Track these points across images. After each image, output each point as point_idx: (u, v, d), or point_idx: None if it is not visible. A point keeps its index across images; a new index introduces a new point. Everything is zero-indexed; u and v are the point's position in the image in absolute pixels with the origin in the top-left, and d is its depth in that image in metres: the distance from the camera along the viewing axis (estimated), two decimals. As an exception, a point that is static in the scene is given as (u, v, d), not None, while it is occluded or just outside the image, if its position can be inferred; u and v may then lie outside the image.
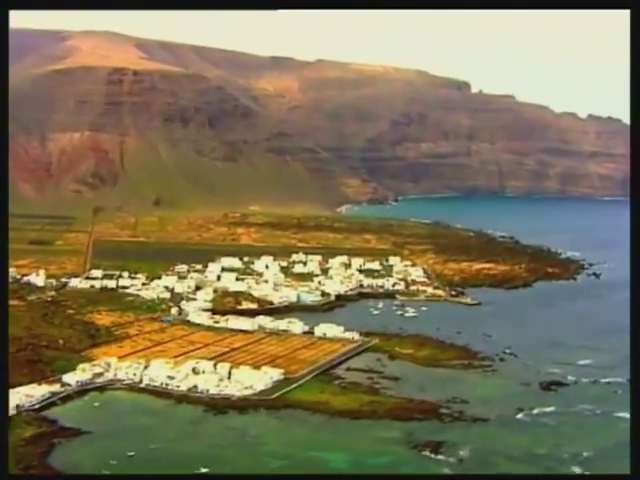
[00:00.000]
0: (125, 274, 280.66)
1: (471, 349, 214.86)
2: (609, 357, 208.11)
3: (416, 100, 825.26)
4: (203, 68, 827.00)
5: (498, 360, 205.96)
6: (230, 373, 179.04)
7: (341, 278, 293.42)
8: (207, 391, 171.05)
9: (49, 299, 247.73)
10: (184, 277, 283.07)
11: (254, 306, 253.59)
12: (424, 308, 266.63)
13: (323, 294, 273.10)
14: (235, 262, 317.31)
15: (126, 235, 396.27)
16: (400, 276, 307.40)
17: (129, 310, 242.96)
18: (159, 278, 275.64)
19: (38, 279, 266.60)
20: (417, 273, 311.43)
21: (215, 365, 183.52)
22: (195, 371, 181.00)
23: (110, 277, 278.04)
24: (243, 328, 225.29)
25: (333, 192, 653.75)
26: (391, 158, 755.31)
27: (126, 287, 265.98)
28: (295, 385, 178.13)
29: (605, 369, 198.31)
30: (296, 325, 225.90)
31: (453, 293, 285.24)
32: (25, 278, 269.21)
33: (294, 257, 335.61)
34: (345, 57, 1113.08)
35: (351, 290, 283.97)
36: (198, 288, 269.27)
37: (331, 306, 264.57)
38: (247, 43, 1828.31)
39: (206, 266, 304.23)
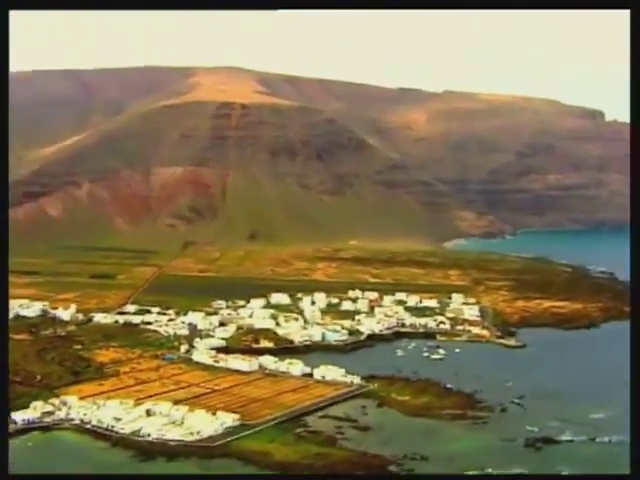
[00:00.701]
0: (156, 309, 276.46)
1: (476, 397, 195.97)
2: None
3: (544, 130, 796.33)
4: (324, 101, 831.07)
5: (499, 411, 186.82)
6: (184, 417, 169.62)
7: (382, 316, 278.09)
8: (148, 435, 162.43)
9: (63, 334, 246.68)
10: (214, 313, 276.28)
11: (271, 345, 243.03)
12: (457, 350, 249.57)
13: (352, 333, 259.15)
14: (283, 298, 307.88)
15: (197, 270, 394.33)
16: (452, 314, 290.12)
17: (140, 346, 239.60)
18: (186, 314, 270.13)
19: (65, 313, 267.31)
20: (471, 312, 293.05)
21: (172, 408, 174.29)
22: (149, 413, 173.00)
23: (142, 312, 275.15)
24: (240, 368, 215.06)
25: (445, 226, 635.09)
26: (514, 190, 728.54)
27: (150, 323, 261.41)
28: (247, 432, 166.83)
29: (617, 425, 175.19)
30: (296, 366, 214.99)
31: (498, 334, 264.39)
32: (53, 312, 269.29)
33: (350, 293, 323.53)
34: (475, 87, 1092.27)
35: (388, 329, 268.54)
36: (223, 325, 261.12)
37: (356, 346, 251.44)
38: (376, 76, 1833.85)
39: (249, 302, 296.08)
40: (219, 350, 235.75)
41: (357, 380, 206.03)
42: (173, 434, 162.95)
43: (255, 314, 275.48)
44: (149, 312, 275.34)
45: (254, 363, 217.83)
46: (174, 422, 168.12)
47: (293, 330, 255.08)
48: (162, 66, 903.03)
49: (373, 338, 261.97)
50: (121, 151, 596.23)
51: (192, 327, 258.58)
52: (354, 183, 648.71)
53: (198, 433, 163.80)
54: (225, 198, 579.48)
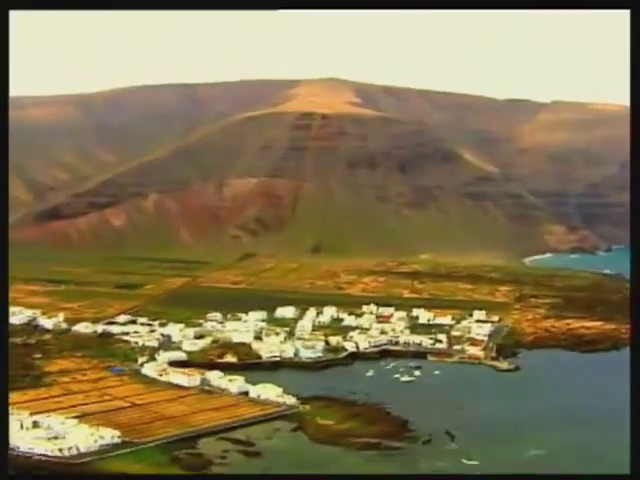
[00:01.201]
0: (142, 320, 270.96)
1: (408, 426, 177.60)
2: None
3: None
4: (427, 112, 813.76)
5: (422, 442, 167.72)
6: (66, 432, 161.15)
7: (376, 333, 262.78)
8: (18, 448, 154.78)
9: (33, 342, 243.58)
10: (197, 325, 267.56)
11: (234, 360, 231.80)
12: (437, 372, 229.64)
13: (335, 350, 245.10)
14: (288, 312, 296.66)
15: (232, 282, 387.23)
16: (458, 333, 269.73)
17: (103, 357, 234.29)
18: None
19: (48, 322, 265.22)
20: (480, 330, 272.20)
21: (60, 421, 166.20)
22: (35, 425, 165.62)
23: (129, 323, 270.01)
24: (180, 383, 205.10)
25: (531, 240, 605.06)
26: (615, 204, 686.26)
27: (127, 333, 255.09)
28: (121, 452, 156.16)
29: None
30: (235, 384, 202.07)
31: (493, 355, 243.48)
32: (39, 320, 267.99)
33: (364, 308, 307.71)
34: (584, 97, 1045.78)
35: (376, 347, 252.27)
36: (200, 337, 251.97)
37: (329, 364, 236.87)
38: (485, 87, 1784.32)
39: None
40: (178, 364, 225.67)
41: (292, 401, 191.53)
42: (41, 448, 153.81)
43: (238, 328, 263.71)
44: (134, 323, 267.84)
45: (195, 379, 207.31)
46: (49, 436, 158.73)
47: (264, 346, 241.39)
48: (272, 79, 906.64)
49: (355, 356, 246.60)
50: (198, 163, 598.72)
51: (166, 339, 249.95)
52: (438, 196, 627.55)
53: (69, 449, 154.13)
54: (295, 210, 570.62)
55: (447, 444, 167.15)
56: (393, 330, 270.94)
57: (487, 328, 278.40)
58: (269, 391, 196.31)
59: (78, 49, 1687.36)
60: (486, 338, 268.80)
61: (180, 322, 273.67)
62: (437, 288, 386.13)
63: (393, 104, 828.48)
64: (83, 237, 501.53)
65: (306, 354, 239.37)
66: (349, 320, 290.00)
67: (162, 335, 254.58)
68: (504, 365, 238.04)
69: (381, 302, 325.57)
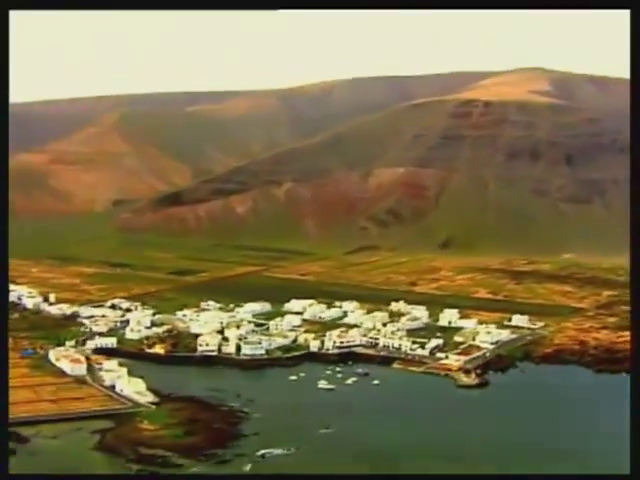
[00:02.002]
0: (126, 305, 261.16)
1: (229, 443, 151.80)
2: None
3: None
4: (624, 102, 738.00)
5: (215, 463, 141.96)
6: None
7: (354, 333, 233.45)
8: None
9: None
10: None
11: (161, 352, 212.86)
12: (376, 382, 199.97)
13: (292, 349, 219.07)
14: (297, 306, 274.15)
15: (302, 273, 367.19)
16: (460, 338, 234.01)
17: (43, 339, 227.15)
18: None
19: (30, 301, 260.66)
20: (487, 337, 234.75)
21: None
22: None
23: (115, 307, 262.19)
24: (65, 370, 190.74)
25: None
26: None
27: (91, 317, 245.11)
28: None
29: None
30: (108, 375, 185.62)
31: (468, 367, 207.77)
32: (26, 300, 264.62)
33: (392, 305, 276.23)
34: None
35: (342, 348, 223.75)
36: (160, 325, 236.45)
37: (263, 363, 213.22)
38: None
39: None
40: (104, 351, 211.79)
41: (148, 399, 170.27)
42: None
43: (204, 319, 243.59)
44: (114, 307, 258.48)
45: (78, 367, 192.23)
46: None
47: (212, 339, 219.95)
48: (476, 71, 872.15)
49: (311, 357, 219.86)
50: (346, 152, 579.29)
51: (122, 325, 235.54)
52: (608, 190, 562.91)
53: None
54: (438, 202, 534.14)
55: (244, 465, 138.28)
56: (378, 331, 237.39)
57: (498, 335, 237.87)
58: (132, 386, 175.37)
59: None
60: (489, 346, 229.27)
61: (180, 309, 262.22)
62: (527, 290, 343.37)
63: (595, 94, 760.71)
64: (200, 224, 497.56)
65: (247, 351, 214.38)
66: (351, 318, 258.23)
67: (120, 322, 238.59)
68: (467, 380, 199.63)
69: (438, 302, 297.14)
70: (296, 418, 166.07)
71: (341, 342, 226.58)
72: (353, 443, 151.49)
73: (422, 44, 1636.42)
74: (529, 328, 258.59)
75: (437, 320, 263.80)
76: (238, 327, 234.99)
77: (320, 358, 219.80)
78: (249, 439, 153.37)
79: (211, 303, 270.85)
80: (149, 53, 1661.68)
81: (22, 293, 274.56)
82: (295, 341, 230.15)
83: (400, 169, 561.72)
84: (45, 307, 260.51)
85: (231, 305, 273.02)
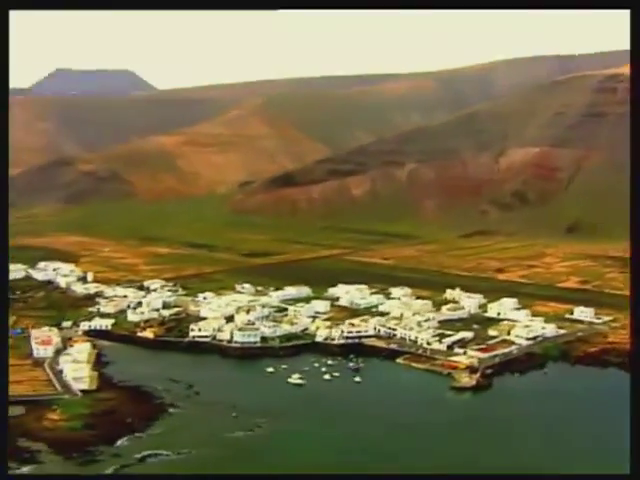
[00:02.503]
0: (159, 284, 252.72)
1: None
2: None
3: None
4: None
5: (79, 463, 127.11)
6: None
7: (374, 322, 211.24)
8: None
9: (16, 297, 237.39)
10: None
11: (150, 336, 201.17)
12: (357, 379, 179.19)
13: (299, 337, 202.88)
14: (340, 291, 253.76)
15: (380, 258, 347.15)
16: (494, 332, 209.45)
17: (54, 317, 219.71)
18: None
19: (63, 280, 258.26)
20: (523, 333, 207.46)
21: None
22: None
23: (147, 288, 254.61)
24: (34, 353, 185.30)
25: None
26: None
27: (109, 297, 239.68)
28: None
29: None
30: (64, 358, 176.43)
31: (475, 366, 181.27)
32: (60, 279, 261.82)
33: (447, 293, 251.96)
34: None
35: (350, 338, 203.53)
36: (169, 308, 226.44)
37: (253, 353, 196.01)
38: None
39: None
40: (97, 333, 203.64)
41: (81, 386, 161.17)
42: None
43: (218, 303, 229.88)
44: (142, 288, 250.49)
45: (44, 349, 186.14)
46: None
47: (205, 324, 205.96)
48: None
49: (314, 347, 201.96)
50: (481, 130, 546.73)
51: (132, 307, 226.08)
52: None
53: None
54: (570, 184, 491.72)
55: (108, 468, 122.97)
56: (397, 320, 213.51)
57: (538, 330, 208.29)
58: (73, 372, 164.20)
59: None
60: (523, 342, 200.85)
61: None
62: (627, 280, 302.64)
63: None
64: (312, 205, 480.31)
65: (240, 338, 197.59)
66: (387, 305, 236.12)
67: (137, 304, 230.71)
68: (466, 381, 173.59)
69: (512, 290, 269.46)
70: (222, 417, 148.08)
71: (350, 332, 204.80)
72: (246, 451, 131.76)
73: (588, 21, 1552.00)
74: (590, 322, 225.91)
75: (486, 311, 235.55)
76: (248, 312, 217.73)
77: (320, 349, 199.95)
78: (145, 438, 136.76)
79: (246, 286, 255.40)
80: (304, 36, 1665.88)
81: (64, 272, 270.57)
82: (306, 330, 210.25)
83: (534, 149, 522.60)
84: (74, 286, 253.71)
85: (271, 289, 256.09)
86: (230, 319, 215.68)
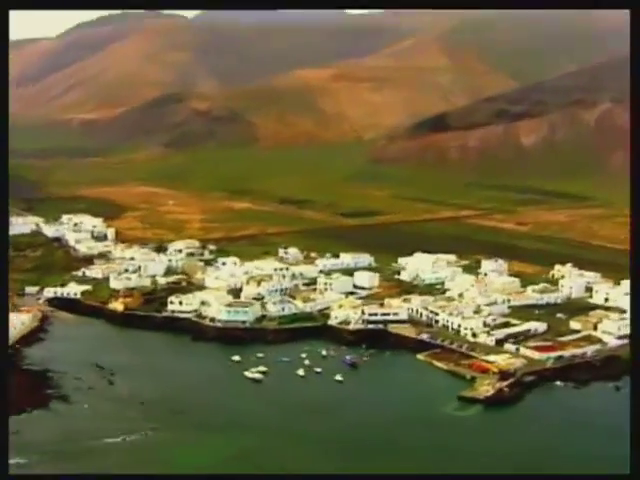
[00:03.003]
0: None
1: None
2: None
3: None
4: None
5: None
6: None
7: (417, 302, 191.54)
8: None
9: (30, 254, 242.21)
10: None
11: (119, 308, 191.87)
12: (339, 377, 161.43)
13: (293, 320, 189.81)
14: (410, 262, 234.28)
15: (514, 223, 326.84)
16: (577, 325, 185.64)
17: (33, 281, 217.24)
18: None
19: (72, 237, 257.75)
20: (613, 328, 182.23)
21: None
22: None
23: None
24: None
25: None
26: None
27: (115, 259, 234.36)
28: None
29: None
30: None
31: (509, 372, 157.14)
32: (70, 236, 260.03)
33: (555, 270, 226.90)
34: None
35: (377, 323, 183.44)
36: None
37: (236, 335, 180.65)
38: None
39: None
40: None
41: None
42: None
43: (232, 272, 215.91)
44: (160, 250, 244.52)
45: None
46: None
47: (188, 298, 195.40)
48: None
49: (322, 332, 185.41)
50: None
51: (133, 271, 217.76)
52: None
53: None
54: None
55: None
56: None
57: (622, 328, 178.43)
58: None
59: None
60: (613, 341, 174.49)
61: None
62: None
63: None
64: (465, 155, 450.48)
65: (235, 317, 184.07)
66: (454, 282, 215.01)
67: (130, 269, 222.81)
68: (482, 390, 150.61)
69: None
70: (109, 417, 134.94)
71: (373, 315, 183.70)
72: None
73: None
74: None
75: (591, 296, 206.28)
76: (259, 283, 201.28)
77: (329, 335, 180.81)
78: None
79: (291, 251, 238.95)
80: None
81: (86, 227, 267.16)
82: (326, 309, 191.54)
83: None
84: (79, 245, 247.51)
85: (328, 255, 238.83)
86: (239, 291, 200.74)
